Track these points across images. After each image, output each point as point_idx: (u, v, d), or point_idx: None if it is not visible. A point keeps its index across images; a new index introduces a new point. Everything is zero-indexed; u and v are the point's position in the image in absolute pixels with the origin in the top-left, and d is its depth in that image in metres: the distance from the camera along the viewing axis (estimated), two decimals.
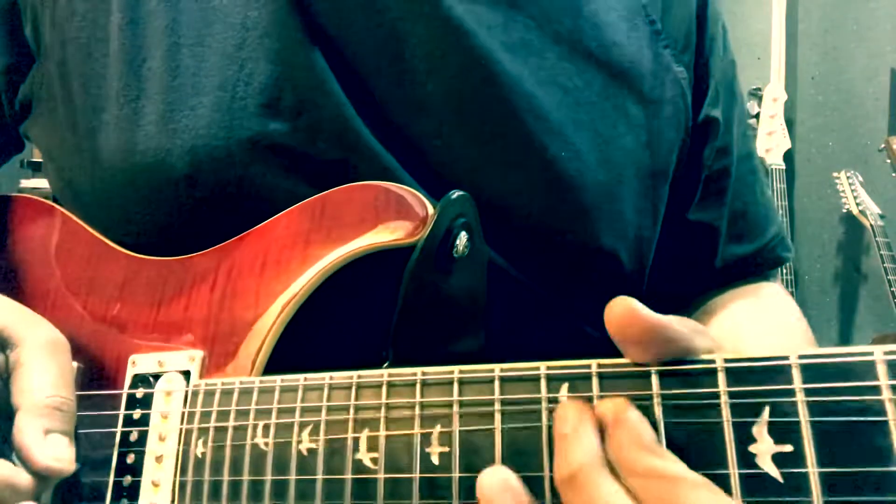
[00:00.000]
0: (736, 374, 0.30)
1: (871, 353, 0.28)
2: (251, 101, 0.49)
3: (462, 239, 0.43)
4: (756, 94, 2.36)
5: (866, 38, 2.38)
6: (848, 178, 2.20)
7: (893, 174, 2.10)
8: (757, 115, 2.33)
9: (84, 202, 0.54)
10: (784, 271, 2.16)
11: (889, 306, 1.98)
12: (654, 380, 0.31)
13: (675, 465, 0.29)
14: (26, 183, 1.63)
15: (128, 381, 0.45)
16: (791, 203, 2.35)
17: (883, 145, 2.18)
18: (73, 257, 0.52)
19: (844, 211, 2.20)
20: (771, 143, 2.30)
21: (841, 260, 2.38)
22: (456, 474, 0.34)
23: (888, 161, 2.14)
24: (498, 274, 0.50)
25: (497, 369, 0.35)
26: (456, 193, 0.43)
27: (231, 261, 0.46)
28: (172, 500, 0.40)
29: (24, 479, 0.38)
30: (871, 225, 2.11)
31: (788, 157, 2.31)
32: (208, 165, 0.48)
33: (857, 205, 2.16)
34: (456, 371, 0.36)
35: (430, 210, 0.43)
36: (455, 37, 0.51)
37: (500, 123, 0.51)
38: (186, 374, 0.43)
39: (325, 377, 0.39)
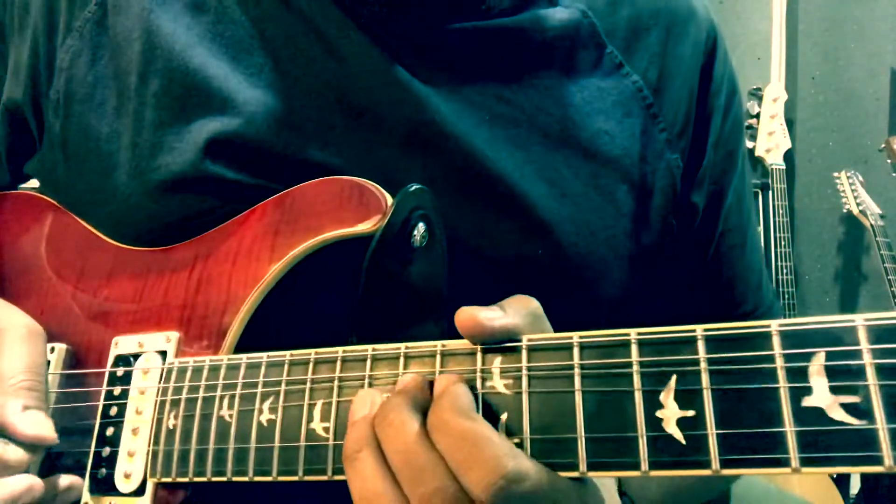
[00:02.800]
0: (647, 346, 0.33)
1: (767, 326, 0.31)
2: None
3: (420, 229, 0.46)
4: (756, 94, 2.36)
5: (866, 38, 2.39)
6: (848, 178, 2.20)
7: (893, 174, 2.11)
8: (757, 115, 2.34)
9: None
10: (784, 271, 2.17)
11: (889, 306, 1.98)
12: (576, 351, 0.34)
13: (483, 426, 0.33)
14: (24, 185, 1.66)
15: (110, 360, 0.48)
16: (791, 203, 2.35)
17: (883, 145, 2.18)
18: (66, 248, 0.55)
19: (844, 211, 2.20)
20: (771, 143, 2.30)
21: (841, 260, 2.39)
22: None
23: (888, 161, 2.14)
24: (470, 261, 0.51)
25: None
26: (413, 186, 0.46)
27: (208, 250, 0.50)
28: (145, 468, 0.43)
29: (13, 452, 0.42)
30: (872, 225, 2.11)
31: (788, 157, 2.31)
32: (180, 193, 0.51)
33: (858, 205, 2.16)
34: (402, 347, 0.39)
35: (389, 202, 0.46)
36: (439, 139, 0.51)
37: (481, 215, 0.52)
38: (164, 353, 0.47)
39: (286, 354, 0.42)
